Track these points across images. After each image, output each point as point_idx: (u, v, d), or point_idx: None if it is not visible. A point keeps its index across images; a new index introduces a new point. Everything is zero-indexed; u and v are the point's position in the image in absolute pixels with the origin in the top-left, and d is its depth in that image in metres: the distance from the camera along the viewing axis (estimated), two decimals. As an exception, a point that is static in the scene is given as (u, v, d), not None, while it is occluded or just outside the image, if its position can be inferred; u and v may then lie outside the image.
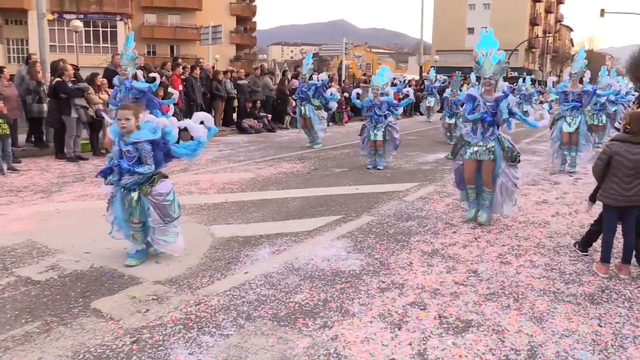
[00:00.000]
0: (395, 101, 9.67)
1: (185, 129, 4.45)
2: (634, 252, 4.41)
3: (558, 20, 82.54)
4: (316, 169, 9.33)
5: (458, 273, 4.38)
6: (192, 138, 4.47)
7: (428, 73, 23.12)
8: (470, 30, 63.26)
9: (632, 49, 79.99)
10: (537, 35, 70.19)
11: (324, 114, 12.20)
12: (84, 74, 11.27)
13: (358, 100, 10.12)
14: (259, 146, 12.41)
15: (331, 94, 12.03)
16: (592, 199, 4.64)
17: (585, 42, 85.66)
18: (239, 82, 15.77)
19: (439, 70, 29.23)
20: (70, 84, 9.68)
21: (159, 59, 23.96)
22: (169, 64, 13.57)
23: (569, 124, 9.10)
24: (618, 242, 4.55)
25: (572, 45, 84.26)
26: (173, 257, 4.56)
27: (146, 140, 4.18)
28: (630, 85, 19.84)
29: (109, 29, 40.80)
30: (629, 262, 4.38)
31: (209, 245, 5.00)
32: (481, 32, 5.82)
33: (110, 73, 10.69)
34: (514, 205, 5.97)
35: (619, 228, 4.47)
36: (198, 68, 13.95)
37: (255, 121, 15.54)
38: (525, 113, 6.87)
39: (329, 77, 20.14)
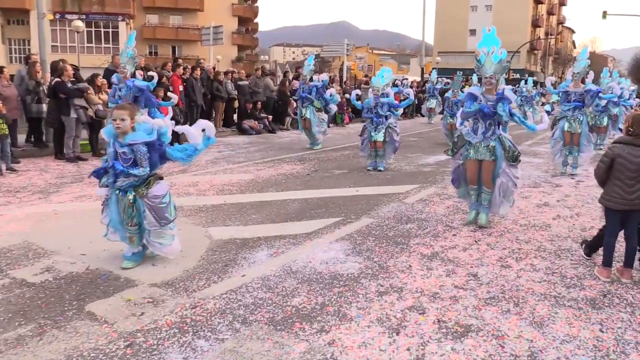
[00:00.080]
0: (396, 102, 9.64)
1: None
2: (637, 256, 4.36)
3: (560, 22, 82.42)
4: (316, 171, 9.29)
5: (458, 277, 4.33)
6: None
7: (430, 74, 23.08)
8: (472, 32, 63.18)
9: (635, 50, 79.88)
10: (539, 37, 70.09)
11: (325, 116, 12.14)
12: (85, 75, 11.25)
13: (358, 102, 10.08)
14: (259, 147, 12.37)
15: (330, 95, 11.98)
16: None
17: (587, 44, 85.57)
18: (240, 83, 15.74)
19: (441, 71, 29.16)
20: (69, 84, 9.64)
21: (160, 60, 23.95)
22: (170, 64, 13.53)
23: (571, 124, 9.04)
24: (620, 245, 4.50)
25: (574, 47, 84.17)
26: (170, 260, 4.52)
27: (142, 142, 4.12)
28: (633, 87, 19.74)
29: (110, 30, 40.81)
30: (631, 266, 4.33)
31: (206, 248, 4.95)
32: (483, 31, 5.75)
33: (110, 74, 10.61)
34: (510, 205, 5.92)
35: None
36: (199, 69, 13.90)
37: (256, 122, 15.50)
38: (524, 116, 6.81)
39: (330, 78, 20.19)
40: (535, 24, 69.28)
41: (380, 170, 9.25)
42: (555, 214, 6.53)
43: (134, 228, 4.30)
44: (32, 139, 10.84)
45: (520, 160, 5.74)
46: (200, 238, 5.27)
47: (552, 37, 72.30)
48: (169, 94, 9.55)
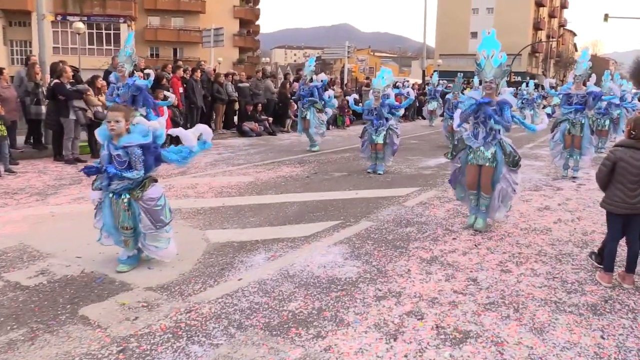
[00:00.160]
0: (397, 103, 9.58)
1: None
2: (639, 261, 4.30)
3: (562, 25, 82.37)
4: (316, 173, 9.24)
5: (457, 281, 4.28)
6: None
7: (431, 77, 23.04)
8: (474, 35, 63.14)
9: (636, 53, 79.78)
10: (541, 39, 70.04)
11: (325, 117, 12.10)
12: (86, 76, 11.22)
13: (357, 106, 10.01)
14: (259, 149, 12.32)
15: (329, 97, 11.93)
16: None
17: (589, 47, 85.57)
18: (240, 85, 15.70)
19: (442, 74, 29.09)
20: (68, 86, 9.61)
21: (161, 62, 23.92)
22: (170, 66, 13.51)
23: (573, 127, 8.97)
24: (622, 249, 4.44)
25: (576, 50, 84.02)
26: (166, 263, 4.47)
27: (137, 145, 4.07)
28: (635, 90, 19.68)
29: (112, 31, 40.82)
30: (633, 271, 4.27)
31: (203, 251, 4.90)
32: (483, 33, 5.70)
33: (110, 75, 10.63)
34: (507, 210, 5.87)
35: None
36: (199, 71, 13.87)
37: (256, 124, 15.46)
38: (523, 117, 6.74)
39: (330, 80, 20.15)
40: (537, 27, 69.22)
41: (379, 173, 9.20)
42: (556, 217, 6.48)
43: (128, 231, 4.24)
44: (31, 141, 10.80)
45: (520, 166, 5.69)
46: (197, 241, 5.22)
47: (554, 39, 72.22)
48: (166, 93, 9.52)
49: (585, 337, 3.37)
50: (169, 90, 10.98)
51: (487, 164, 5.57)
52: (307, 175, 8.99)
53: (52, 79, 9.93)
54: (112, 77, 8.52)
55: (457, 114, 5.97)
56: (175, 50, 47.07)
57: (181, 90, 12.76)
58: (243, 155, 11.37)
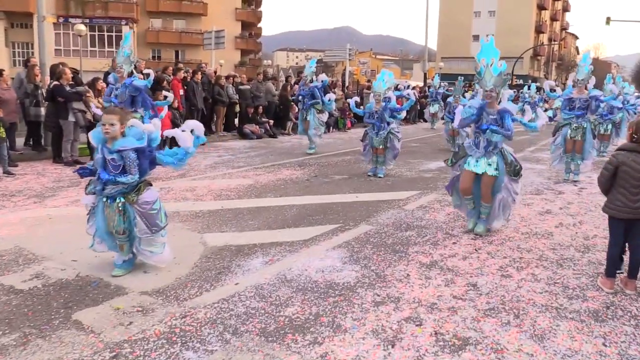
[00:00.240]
0: (398, 106, 9.52)
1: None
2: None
3: (563, 28, 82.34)
4: (316, 176, 9.19)
5: (457, 286, 4.22)
6: None
7: (432, 80, 22.99)
8: (476, 38, 63.08)
9: (638, 57, 79.69)
10: (543, 42, 69.99)
11: (325, 117, 12.06)
12: (88, 78, 11.19)
13: (358, 109, 9.95)
14: (259, 152, 12.28)
15: (329, 100, 11.90)
16: None
17: (590, 50, 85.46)
18: (241, 87, 15.67)
19: (444, 77, 29.04)
20: (68, 88, 9.58)
21: (163, 64, 23.89)
22: (171, 68, 13.48)
23: (574, 131, 8.91)
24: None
25: (578, 53, 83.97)
26: (162, 267, 4.41)
27: (132, 149, 4.00)
28: (638, 94, 19.59)
29: (114, 34, 40.84)
30: (636, 277, 4.20)
31: (200, 255, 4.85)
32: (481, 42, 5.65)
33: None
34: (506, 220, 5.83)
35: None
36: (199, 73, 13.84)
37: (257, 127, 15.43)
38: (523, 112, 6.65)
39: (332, 82, 20.11)
40: (539, 30, 69.18)
41: (380, 177, 9.14)
42: (557, 221, 6.42)
43: (123, 236, 4.18)
44: (31, 143, 10.77)
45: (521, 175, 5.64)
46: (194, 244, 5.17)
47: (556, 43, 72.22)
48: (165, 93, 9.48)
49: (586, 345, 3.31)
50: (168, 92, 10.94)
51: (488, 173, 5.51)
52: (307, 178, 8.94)
53: (51, 80, 9.90)
54: (110, 78, 8.48)
55: (459, 109, 5.90)
56: (177, 53, 47.07)
57: (181, 92, 12.74)
58: (243, 157, 11.32)
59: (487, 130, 5.42)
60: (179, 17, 47.32)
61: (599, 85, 10.01)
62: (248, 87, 15.94)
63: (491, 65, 5.37)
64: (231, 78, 15.71)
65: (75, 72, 10.76)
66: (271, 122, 16.17)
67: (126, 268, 4.27)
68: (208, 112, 14.39)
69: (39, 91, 10.29)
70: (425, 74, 34.35)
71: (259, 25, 57.69)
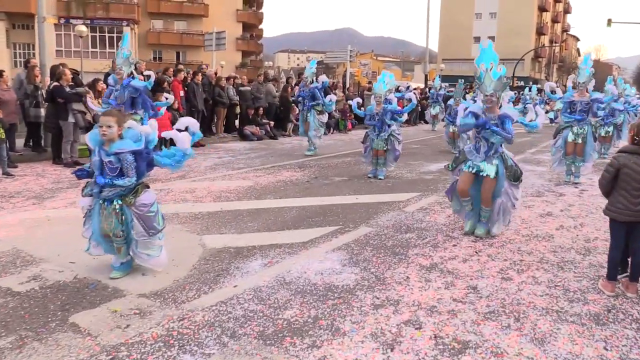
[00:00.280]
0: (399, 108, 9.48)
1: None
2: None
3: (565, 30, 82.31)
4: (316, 178, 9.16)
5: (457, 289, 4.19)
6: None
7: (433, 81, 22.95)
8: (477, 39, 62.85)
9: (639, 59, 79.54)
10: (544, 44, 69.96)
11: (325, 119, 12.03)
12: (88, 79, 11.18)
13: (359, 110, 9.93)
14: (259, 153, 12.25)
15: (330, 101, 11.88)
16: None
17: (592, 52, 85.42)
18: (242, 88, 15.66)
19: (445, 78, 29.00)
20: (68, 89, 9.56)
21: (164, 65, 23.86)
22: (171, 69, 13.47)
23: (576, 135, 8.88)
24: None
25: (579, 55, 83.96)
26: (160, 269, 4.38)
27: (129, 151, 3.97)
28: (638, 95, 19.56)
29: (115, 35, 40.86)
30: (637, 280, 4.17)
31: (199, 257, 4.82)
32: (480, 47, 5.62)
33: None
34: (505, 225, 5.79)
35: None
36: (200, 74, 13.83)
37: (257, 128, 15.41)
38: (524, 114, 6.60)
39: (333, 84, 20.09)
40: (540, 32, 69.16)
41: (380, 178, 9.11)
42: (558, 224, 6.38)
43: (120, 239, 4.14)
44: (31, 144, 10.76)
45: (522, 180, 5.62)
46: (193, 246, 5.14)
47: (557, 44, 72.19)
48: (165, 95, 9.46)
49: (587, 348, 3.28)
50: (169, 93, 10.93)
51: (490, 176, 5.48)
52: (307, 180, 8.91)
53: (51, 81, 9.89)
54: (110, 80, 8.46)
55: (461, 106, 5.85)
56: (178, 54, 47.11)
57: (182, 93, 12.73)
58: (243, 159, 11.30)
59: (488, 130, 5.38)
60: (180, 18, 47.38)
61: (599, 87, 9.97)
62: (248, 88, 15.93)
63: (490, 70, 5.35)
64: (232, 79, 15.71)
65: (76, 73, 10.76)
66: (272, 123, 16.15)
67: (124, 270, 4.24)
68: (208, 114, 14.39)
69: (39, 92, 10.28)
70: (426, 76, 34.31)
71: (260, 26, 57.74)
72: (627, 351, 3.27)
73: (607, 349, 3.28)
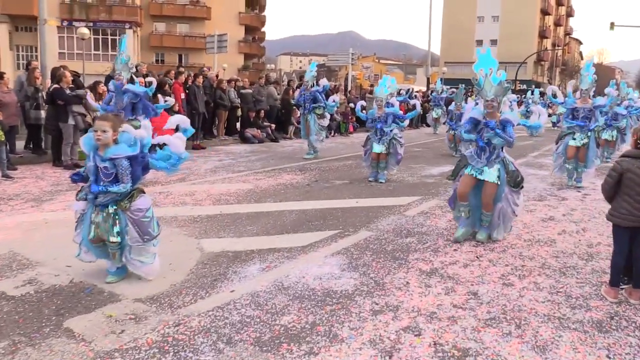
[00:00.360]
0: (401, 112, 9.43)
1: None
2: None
3: (567, 33, 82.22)
4: (316, 181, 9.11)
5: (457, 295, 4.13)
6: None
7: (435, 84, 22.92)
8: (479, 43, 62.99)
9: (643, 62, 79.33)
10: (546, 48, 69.89)
11: (325, 123, 12.00)
12: (90, 82, 11.16)
13: (362, 113, 9.87)
14: (260, 156, 12.21)
15: (333, 101, 11.83)
16: None
17: (594, 55, 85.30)
18: (243, 91, 15.63)
19: (447, 81, 28.98)
20: (68, 91, 9.54)
21: (167, 67, 23.85)
22: (173, 72, 13.45)
23: (577, 140, 8.81)
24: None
25: (582, 59, 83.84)
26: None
27: (124, 157, 3.90)
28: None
29: (117, 37, 40.91)
30: (640, 287, 4.11)
31: (196, 261, 4.77)
32: (478, 52, 5.58)
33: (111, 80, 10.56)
34: (507, 232, 5.73)
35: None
36: (201, 76, 13.80)
37: (259, 131, 15.37)
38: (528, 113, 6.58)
39: (335, 87, 20.06)
40: (543, 35, 69.11)
41: (381, 182, 9.05)
42: (560, 228, 6.32)
43: (114, 244, 4.09)
44: (31, 146, 10.74)
45: (523, 187, 5.56)
46: (191, 250, 5.09)
47: (559, 48, 72.09)
48: (165, 97, 9.41)
49: (590, 357, 3.21)
50: (170, 96, 10.91)
51: (491, 181, 5.43)
52: (307, 183, 8.86)
53: (51, 84, 9.87)
54: (110, 86, 8.40)
55: (469, 106, 5.82)
56: (180, 57, 47.14)
57: (183, 96, 12.70)
58: (244, 162, 11.26)
59: (491, 131, 5.33)
60: (183, 21, 47.43)
61: (601, 91, 9.91)
62: (250, 91, 15.90)
63: (490, 75, 5.30)
64: (233, 82, 15.68)
65: (76, 75, 10.73)
66: (273, 126, 16.12)
67: (119, 275, 4.19)
68: (209, 116, 14.36)
69: (40, 94, 10.26)
70: (428, 79, 34.28)
71: (262, 29, 57.80)
72: (631, 359, 3.20)
73: (610, 357, 3.22)
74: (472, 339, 3.40)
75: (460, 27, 65.70)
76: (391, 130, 8.96)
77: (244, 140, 14.98)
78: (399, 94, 19.03)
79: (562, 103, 9.48)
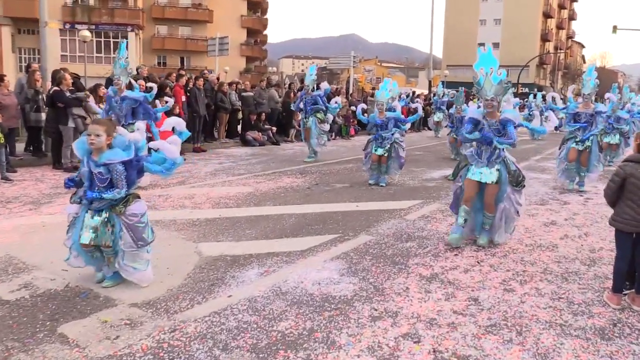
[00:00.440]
0: (403, 117, 9.37)
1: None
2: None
3: (570, 37, 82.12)
4: (317, 184, 9.06)
5: (457, 301, 4.07)
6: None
7: (436, 87, 22.86)
8: (481, 46, 62.92)
9: (645, 66, 79.17)
10: (549, 51, 69.80)
11: (327, 127, 11.95)
12: (92, 84, 11.13)
13: (363, 116, 9.83)
14: (261, 159, 12.17)
15: (335, 103, 11.79)
16: None
17: (597, 59, 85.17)
18: (244, 93, 15.60)
19: (449, 85, 28.92)
20: (68, 93, 9.51)
21: (168, 70, 23.84)
22: (174, 74, 13.42)
23: (579, 143, 8.75)
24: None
25: (584, 62, 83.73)
26: (154, 278, 4.27)
27: (119, 162, 3.85)
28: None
29: (120, 40, 41.03)
30: (643, 293, 4.05)
31: (194, 265, 4.72)
32: (479, 51, 5.54)
33: (111, 83, 10.52)
34: (510, 234, 5.65)
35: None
36: (201, 79, 13.77)
37: (260, 134, 15.33)
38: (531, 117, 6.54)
39: (336, 89, 20.03)
40: (545, 38, 69.01)
41: (382, 186, 9.00)
42: (562, 233, 6.26)
43: (109, 249, 4.03)
44: (31, 148, 10.71)
45: (524, 186, 5.50)
46: (189, 254, 5.04)
47: (562, 51, 71.95)
48: (165, 98, 9.38)
49: (592, 365, 3.16)
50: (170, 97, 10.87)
51: (492, 183, 5.38)
52: (308, 186, 8.81)
53: (51, 86, 9.85)
54: (109, 91, 8.36)
55: (472, 108, 5.76)
56: (182, 59, 47.15)
57: (184, 98, 12.67)
58: (244, 165, 11.21)
59: (495, 141, 5.30)
60: (185, 24, 47.51)
61: (603, 95, 9.87)
62: (251, 93, 15.86)
63: (490, 74, 5.25)
64: (234, 85, 15.65)
65: (76, 78, 10.71)
66: (274, 129, 16.08)
67: (116, 279, 4.13)
68: (210, 119, 14.33)
69: (40, 96, 10.24)
70: (430, 82, 34.25)
71: (264, 32, 57.86)
72: (634, 368, 3.15)
73: (612, 366, 3.16)
74: (472, 346, 3.35)
75: (462, 30, 65.65)
76: (392, 135, 8.91)
77: (245, 143, 14.94)
78: (400, 98, 18.97)
79: (563, 109, 9.45)
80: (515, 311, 3.91)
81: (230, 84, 15.40)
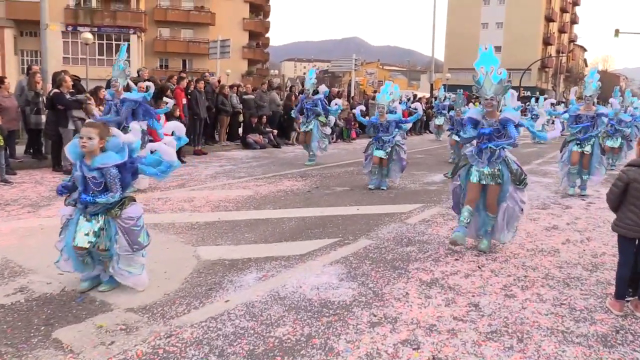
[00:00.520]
0: (403, 118, 9.32)
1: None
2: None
3: (572, 40, 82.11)
4: (317, 188, 9.01)
5: (458, 306, 4.02)
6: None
7: (438, 91, 22.83)
8: (483, 49, 62.94)
9: (647, 70, 79.08)
10: (551, 54, 69.76)
11: (328, 130, 11.91)
12: (92, 87, 11.12)
13: (363, 118, 9.78)
14: (261, 162, 12.13)
15: (336, 104, 11.76)
16: None
17: (599, 63, 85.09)
18: (245, 96, 15.58)
19: (451, 88, 28.88)
20: (68, 96, 9.48)
21: (171, 73, 23.82)
22: (175, 77, 13.40)
23: (581, 145, 8.71)
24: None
25: (586, 65, 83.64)
26: (150, 282, 4.23)
27: (113, 165, 3.80)
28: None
29: (122, 42, 41.07)
30: (646, 299, 3.99)
31: (192, 269, 4.68)
32: (480, 50, 5.49)
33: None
34: (513, 234, 5.58)
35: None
36: (202, 82, 13.75)
37: (261, 136, 15.31)
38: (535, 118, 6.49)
39: (338, 92, 19.98)
40: (547, 42, 69.00)
41: (383, 189, 8.95)
42: (564, 238, 6.20)
43: (105, 253, 3.98)
44: (31, 151, 10.69)
45: (527, 184, 5.45)
46: (187, 258, 5.00)
47: (564, 55, 71.97)
48: (165, 98, 9.35)
49: (594, 373, 3.10)
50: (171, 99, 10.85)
51: (493, 183, 5.33)
52: (308, 190, 8.77)
53: (52, 88, 9.83)
54: (107, 94, 8.33)
55: (472, 111, 5.71)
56: (184, 62, 47.25)
57: (185, 101, 12.64)
58: (245, 168, 11.18)
59: (490, 143, 5.25)
60: (187, 26, 47.59)
61: (605, 99, 9.84)
62: (252, 96, 15.84)
63: (491, 74, 5.21)
64: (235, 87, 15.63)
65: (77, 80, 10.68)
66: (275, 132, 16.05)
67: (112, 284, 4.09)
68: (211, 122, 14.30)
69: (40, 99, 10.22)
70: (432, 85, 34.21)
71: (266, 35, 57.96)
72: (637, 376, 3.09)
73: (615, 374, 3.11)
74: (472, 353, 3.29)
75: (464, 33, 65.64)
76: (393, 137, 8.87)
77: (246, 145, 14.92)
78: (401, 101, 18.94)
79: (564, 112, 9.43)
80: (516, 317, 3.85)
81: (231, 87, 15.39)
